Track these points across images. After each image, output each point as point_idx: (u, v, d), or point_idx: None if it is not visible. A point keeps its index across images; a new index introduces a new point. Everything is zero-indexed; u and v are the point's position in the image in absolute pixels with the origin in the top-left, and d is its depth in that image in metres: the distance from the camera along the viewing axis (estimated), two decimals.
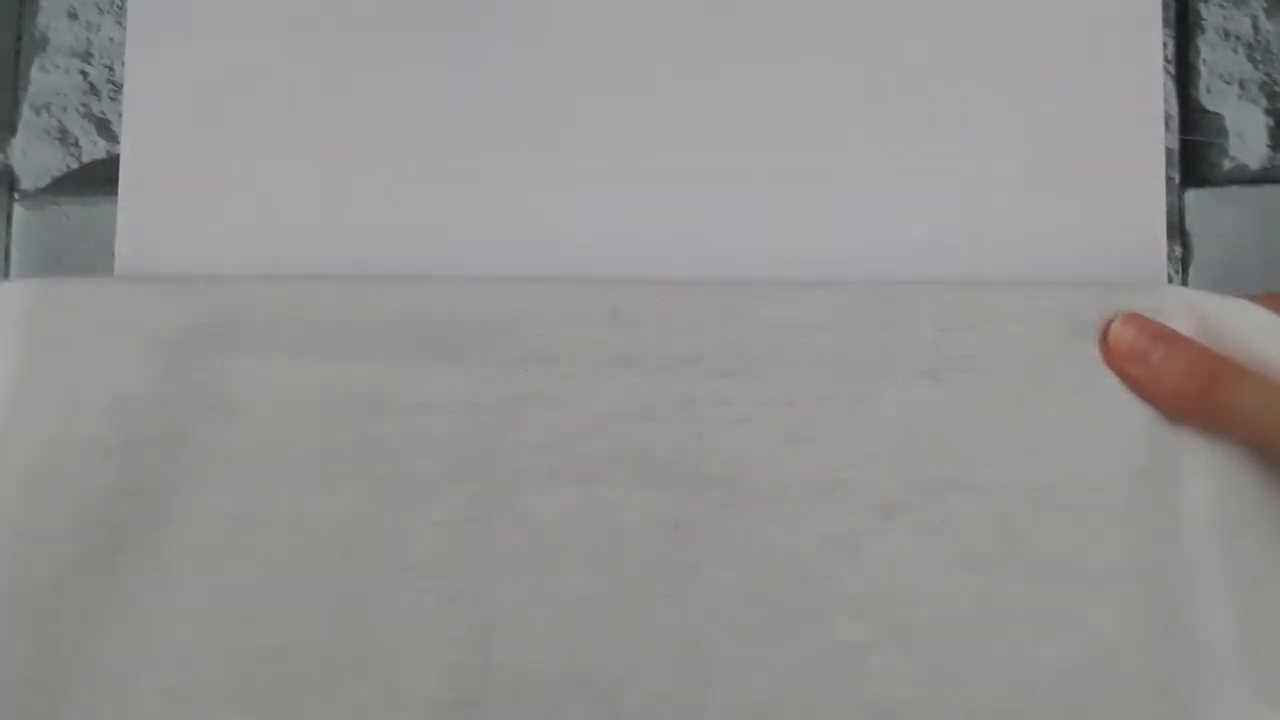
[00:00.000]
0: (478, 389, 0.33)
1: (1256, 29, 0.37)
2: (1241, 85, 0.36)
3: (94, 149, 0.37)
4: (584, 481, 0.33)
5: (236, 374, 0.33)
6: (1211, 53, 0.37)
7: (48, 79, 0.37)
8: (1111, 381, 0.32)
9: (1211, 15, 0.37)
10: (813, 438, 0.33)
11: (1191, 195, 0.36)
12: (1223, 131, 0.36)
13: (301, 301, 0.34)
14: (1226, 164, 0.36)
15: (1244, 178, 0.36)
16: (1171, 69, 0.36)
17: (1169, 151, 0.36)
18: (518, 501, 0.33)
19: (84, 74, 0.37)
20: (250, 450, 0.33)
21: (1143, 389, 0.32)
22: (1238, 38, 0.37)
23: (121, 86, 0.37)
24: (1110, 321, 0.32)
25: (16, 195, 0.37)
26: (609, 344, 0.33)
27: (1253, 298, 0.32)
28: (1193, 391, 0.31)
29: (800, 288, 0.33)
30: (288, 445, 0.33)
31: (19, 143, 0.37)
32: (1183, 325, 0.32)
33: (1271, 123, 0.36)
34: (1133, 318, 0.32)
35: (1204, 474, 0.32)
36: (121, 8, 0.37)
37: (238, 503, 0.33)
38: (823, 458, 0.33)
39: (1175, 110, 0.36)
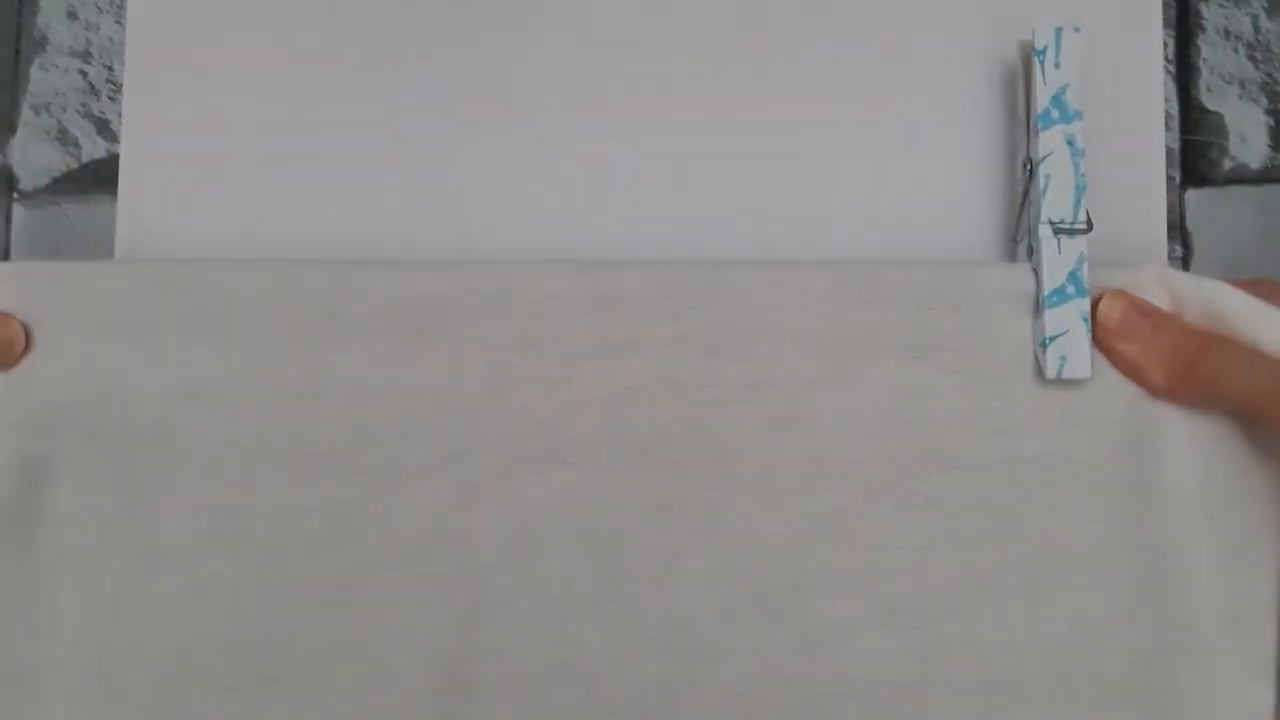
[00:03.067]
0: (461, 374, 0.33)
1: (1257, 28, 0.36)
2: (1242, 85, 0.36)
3: (93, 148, 0.37)
4: (569, 465, 0.33)
5: (221, 362, 0.33)
6: (1212, 52, 0.37)
7: (47, 79, 0.37)
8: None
9: (1212, 15, 0.37)
10: (797, 418, 0.33)
11: (1192, 195, 0.36)
12: (1223, 131, 0.36)
13: (284, 289, 0.34)
14: (1227, 163, 0.36)
15: (1244, 177, 0.36)
16: (1172, 68, 0.36)
17: (1169, 151, 0.36)
18: (503, 486, 0.33)
19: (83, 74, 0.37)
20: (235, 439, 0.33)
21: (1130, 365, 0.32)
22: (1238, 37, 0.36)
23: (121, 86, 0.37)
24: (1097, 299, 0.32)
25: (16, 195, 0.37)
26: (592, 327, 0.33)
27: (1233, 283, 0.32)
28: (1180, 366, 0.31)
29: (783, 268, 0.33)
30: (272, 433, 0.33)
31: (19, 142, 0.37)
32: (1161, 304, 0.32)
33: (1272, 122, 0.36)
34: (1120, 294, 0.32)
35: (1185, 450, 0.32)
36: (121, 7, 0.37)
37: (224, 491, 0.33)
38: (807, 438, 0.33)
39: (1176, 110, 0.36)
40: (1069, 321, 0.32)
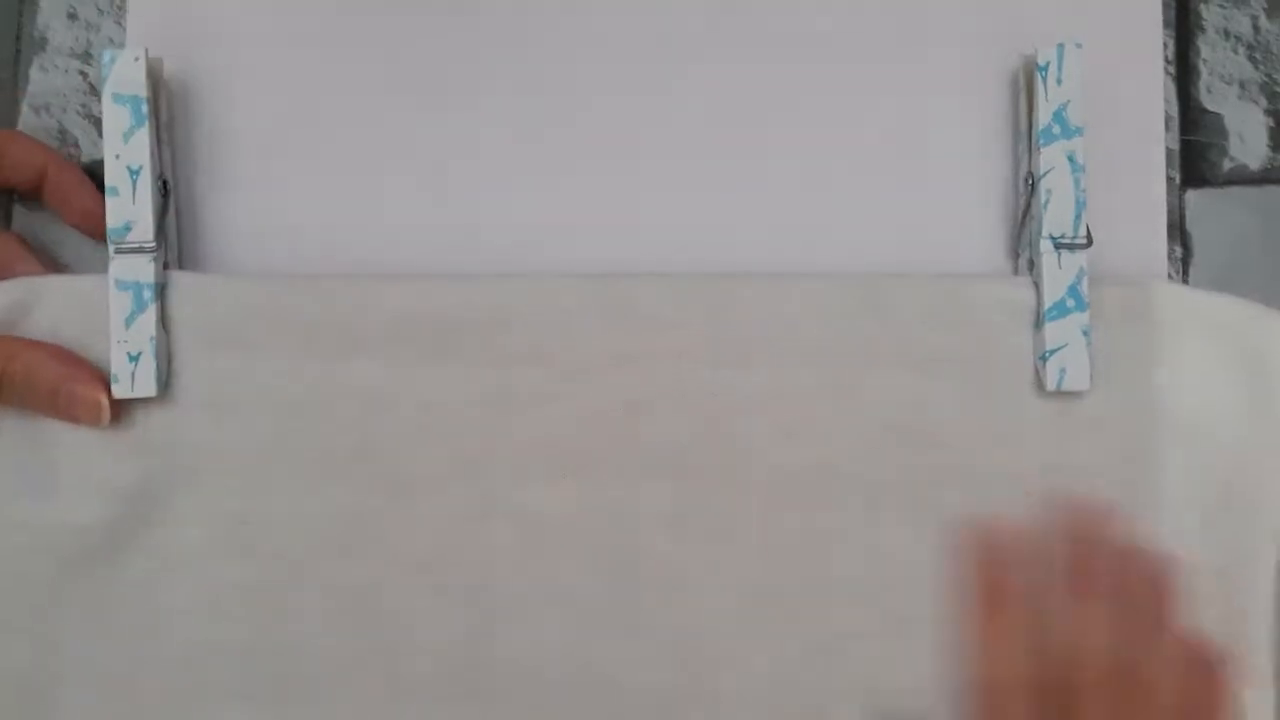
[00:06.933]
0: (475, 387, 0.33)
1: (1256, 29, 0.37)
2: (1241, 85, 0.36)
3: (93, 149, 0.37)
4: (582, 475, 0.33)
5: (234, 373, 0.33)
6: (1212, 53, 0.37)
7: (47, 79, 0.37)
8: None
9: (1211, 15, 0.37)
10: (804, 429, 0.33)
11: (1192, 195, 0.36)
12: (1223, 132, 0.36)
13: (298, 301, 0.34)
14: (1226, 164, 0.36)
15: (1244, 178, 0.36)
16: (1172, 69, 0.36)
17: (1169, 151, 0.36)
18: (518, 496, 0.33)
19: (83, 75, 0.37)
20: (249, 448, 0.33)
21: None
22: (1238, 38, 0.37)
23: None
24: None
25: (16, 195, 0.37)
26: (603, 340, 0.33)
27: None
28: None
29: (788, 281, 0.34)
30: (286, 443, 0.33)
31: None
32: (1173, 322, 0.33)
33: (1271, 123, 0.36)
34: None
35: (1182, 459, 0.33)
36: (121, 8, 0.37)
37: (237, 500, 0.33)
38: (814, 448, 0.33)
39: (1175, 110, 0.36)
40: (1069, 335, 0.32)
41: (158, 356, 0.33)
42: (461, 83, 0.37)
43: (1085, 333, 0.32)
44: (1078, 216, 0.33)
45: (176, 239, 0.35)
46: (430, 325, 0.34)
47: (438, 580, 0.33)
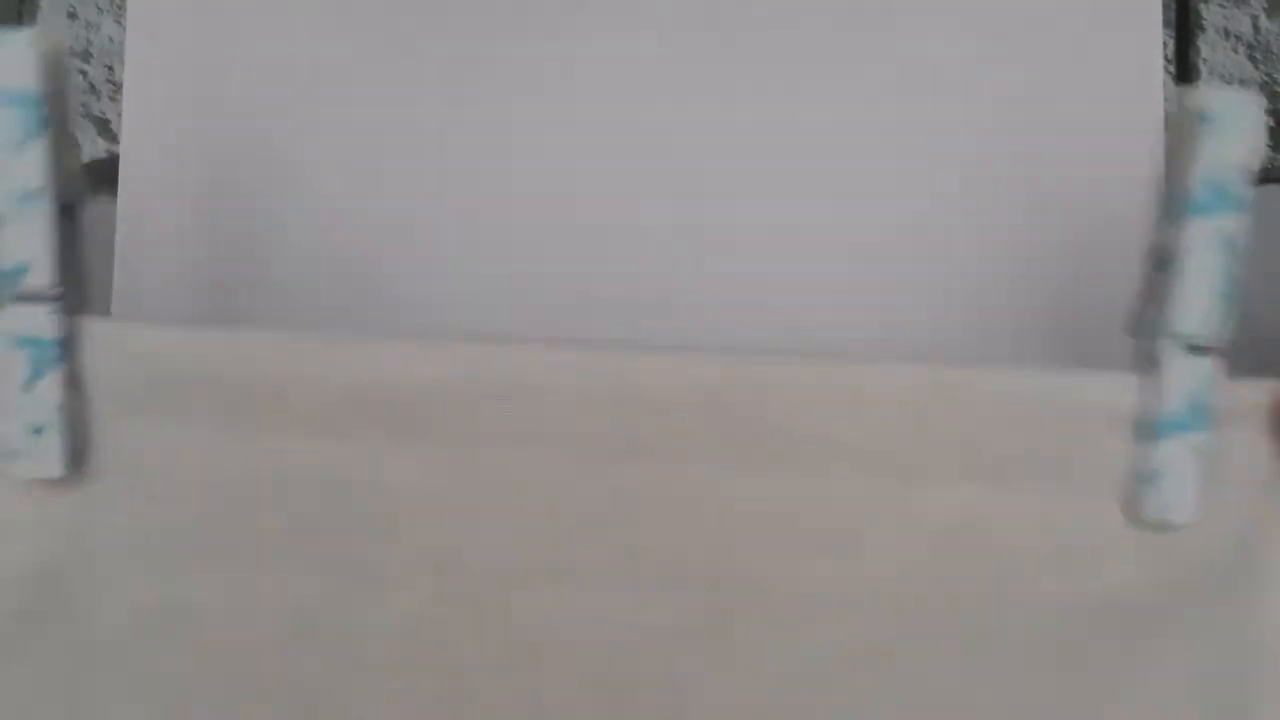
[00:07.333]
0: (442, 469, 0.28)
1: (1257, 29, 0.36)
2: (1241, 85, 0.36)
3: (94, 148, 0.37)
4: (572, 580, 0.29)
5: (158, 444, 0.28)
6: (1212, 52, 0.37)
7: None
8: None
9: (1212, 15, 0.37)
10: (839, 544, 0.28)
11: None
12: None
13: (233, 362, 0.28)
14: None
15: None
16: (1172, 69, 0.36)
17: None
18: (494, 598, 0.29)
19: (84, 74, 0.37)
20: (175, 532, 0.29)
21: None
22: (1238, 38, 0.36)
23: (121, 86, 0.37)
24: None
25: None
26: (597, 423, 0.28)
27: None
28: None
29: (833, 364, 0.29)
30: (218, 527, 0.29)
31: None
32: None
33: (1271, 123, 0.36)
34: None
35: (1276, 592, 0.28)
36: (121, 8, 0.37)
37: (162, 589, 0.29)
38: (849, 566, 0.28)
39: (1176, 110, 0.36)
40: (1179, 456, 0.27)
41: (65, 429, 0.27)
42: (467, 89, 0.37)
43: (1200, 456, 0.27)
44: (1219, 313, 0.26)
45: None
46: (383, 397, 0.28)
47: (397, 686, 0.29)
